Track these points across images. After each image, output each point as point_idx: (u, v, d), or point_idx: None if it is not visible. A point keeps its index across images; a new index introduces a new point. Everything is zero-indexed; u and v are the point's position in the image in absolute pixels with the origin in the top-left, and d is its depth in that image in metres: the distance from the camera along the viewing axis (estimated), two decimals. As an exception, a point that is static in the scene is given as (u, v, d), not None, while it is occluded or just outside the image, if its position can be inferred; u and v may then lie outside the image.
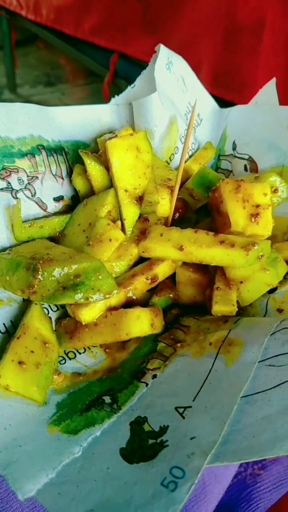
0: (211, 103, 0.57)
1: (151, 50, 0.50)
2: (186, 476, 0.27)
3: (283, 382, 0.30)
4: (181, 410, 0.32)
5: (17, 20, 1.83)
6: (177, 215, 0.47)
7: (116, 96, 0.52)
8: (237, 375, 0.32)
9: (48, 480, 0.29)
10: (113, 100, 0.52)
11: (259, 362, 0.33)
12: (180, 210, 0.47)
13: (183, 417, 0.31)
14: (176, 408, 0.32)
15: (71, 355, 0.39)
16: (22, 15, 1.77)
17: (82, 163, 0.46)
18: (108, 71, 1.56)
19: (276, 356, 0.32)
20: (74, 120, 0.49)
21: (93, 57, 1.64)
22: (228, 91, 1.11)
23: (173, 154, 0.51)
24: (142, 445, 0.30)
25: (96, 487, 0.28)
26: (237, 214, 0.41)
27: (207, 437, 0.29)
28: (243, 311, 0.41)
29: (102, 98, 1.68)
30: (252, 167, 0.50)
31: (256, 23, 1.06)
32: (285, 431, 0.27)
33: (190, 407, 0.32)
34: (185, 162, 0.52)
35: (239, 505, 0.49)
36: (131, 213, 0.43)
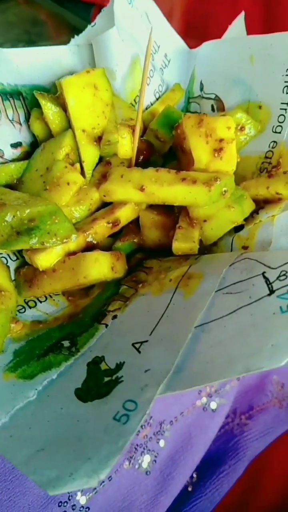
0: (179, 42, 0.54)
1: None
2: (138, 408, 0.26)
3: (240, 308, 0.29)
4: (137, 346, 0.30)
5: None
6: (141, 157, 0.44)
7: (76, 36, 0.49)
8: (193, 306, 0.31)
9: (0, 424, 0.28)
10: (73, 41, 0.48)
11: (216, 291, 0.31)
12: (145, 152, 0.45)
13: (139, 352, 0.30)
14: (133, 344, 0.31)
15: (31, 303, 0.38)
16: None
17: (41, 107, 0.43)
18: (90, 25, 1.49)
19: (234, 284, 0.31)
20: (32, 63, 0.45)
21: (74, 11, 1.56)
22: (201, 41, 1.06)
23: (137, 96, 0.48)
24: (98, 384, 0.29)
25: (48, 428, 0.27)
26: (200, 150, 0.39)
27: (161, 367, 0.28)
28: (208, 251, 0.39)
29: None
30: (219, 106, 0.47)
31: None
32: (238, 353, 0.26)
33: (147, 341, 0.30)
34: (152, 104, 0.50)
35: (226, 454, 0.50)
36: (90, 154, 0.41)
